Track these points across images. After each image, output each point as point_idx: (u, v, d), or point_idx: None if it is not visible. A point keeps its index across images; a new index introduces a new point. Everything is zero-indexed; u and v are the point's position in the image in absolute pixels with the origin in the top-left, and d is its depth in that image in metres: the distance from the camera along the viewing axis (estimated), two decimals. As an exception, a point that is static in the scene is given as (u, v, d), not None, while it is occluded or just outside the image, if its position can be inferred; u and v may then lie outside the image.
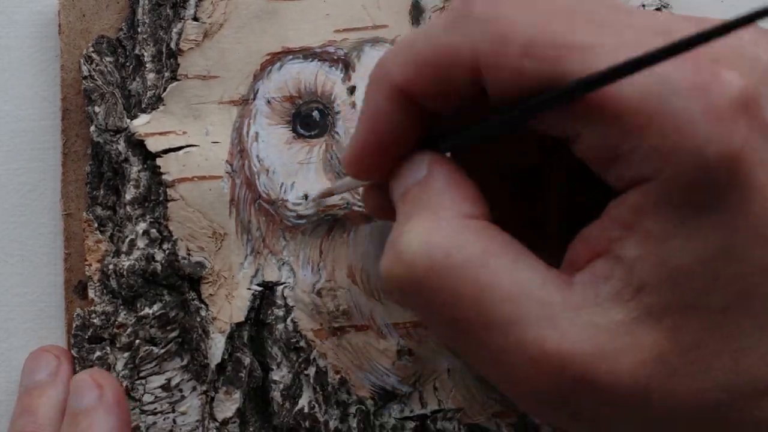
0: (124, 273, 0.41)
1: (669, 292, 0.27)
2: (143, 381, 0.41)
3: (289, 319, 0.42)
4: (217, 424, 0.41)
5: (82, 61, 0.43)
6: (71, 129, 0.44)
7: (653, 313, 0.28)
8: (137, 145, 0.42)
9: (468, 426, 0.42)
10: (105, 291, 0.42)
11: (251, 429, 0.41)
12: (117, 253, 0.42)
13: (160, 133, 0.42)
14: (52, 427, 0.40)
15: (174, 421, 0.41)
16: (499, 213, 0.31)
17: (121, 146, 0.42)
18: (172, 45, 0.43)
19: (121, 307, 0.42)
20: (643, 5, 0.44)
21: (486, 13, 0.29)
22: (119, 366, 0.41)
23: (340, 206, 0.42)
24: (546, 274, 0.29)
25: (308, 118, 0.43)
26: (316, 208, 0.42)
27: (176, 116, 0.43)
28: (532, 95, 0.28)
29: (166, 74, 0.43)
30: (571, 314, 0.28)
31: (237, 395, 0.41)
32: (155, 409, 0.41)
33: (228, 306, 0.42)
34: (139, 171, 0.42)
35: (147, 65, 0.43)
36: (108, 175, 0.43)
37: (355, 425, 0.41)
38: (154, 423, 0.41)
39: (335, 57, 0.43)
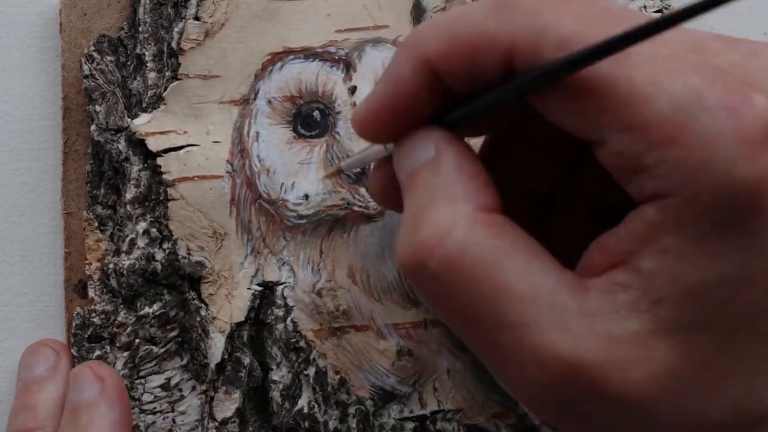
0: (124, 272, 0.41)
1: (684, 308, 0.27)
2: (143, 380, 0.41)
3: (289, 319, 0.42)
4: (217, 423, 0.41)
5: (83, 60, 0.43)
6: (72, 128, 0.44)
7: (668, 328, 0.28)
8: (138, 144, 0.42)
9: (467, 427, 0.42)
10: (105, 290, 0.42)
11: (251, 429, 0.41)
12: (117, 253, 0.42)
13: (161, 133, 0.42)
14: (53, 422, 0.40)
15: (173, 420, 0.41)
16: (510, 207, 0.31)
17: (122, 145, 0.42)
18: (173, 44, 0.43)
19: (121, 306, 0.42)
20: (645, 6, 0.44)
21: (529, 4, 0.29)
22: (119, 365, 0.41)
23: (340, 206, 0.42)
24: (561, 276, 0.29)
25: (309, 118, 0.43)
26: (317, 208, 0.42)
27: (177, 116, 0.43)
28: (563, 91, 0.28)
29: (167, 73, 0.43)
30: (585, 321, 0.28)
31: (236, 395, 0.41)
32: (155, 408, 0.41)
33: (228, 306, 0.42)
34: (139, 170, 0.42)
35: (148, 64, 0.43)
36: (108, 175, 0.43)
37: (354, 425, 0.41)
38: (154, 422, 0.41)
39: (336, 57, 0.43)
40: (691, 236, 0.27)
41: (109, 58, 0.43)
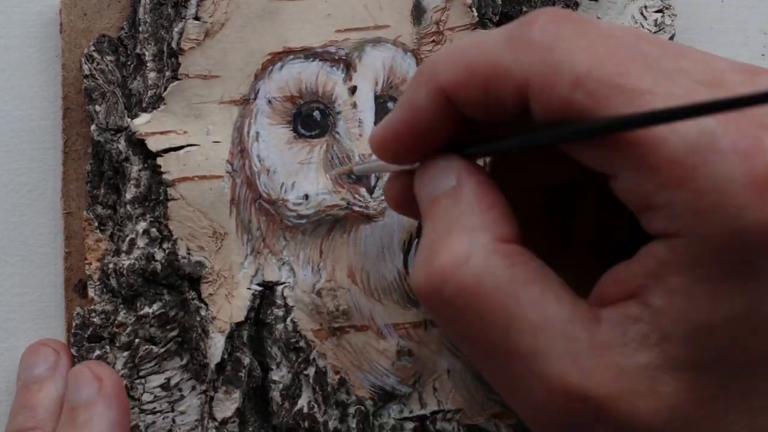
0: (124, 272, 0.41)
1: (691, 346, 0.28)
2: (142, 380, 0.41)
3: (288, 319, 0.42)
4: (217, 423, 0.41)
5: (83, 59, 0.43)
6: (72, 128, 0.44)
7: (675, 364, 0.28)
8: (138, 144, 0.42)
9: (467, 427, 0.42)
10: (105, 290, 0.42)
11: (250, 429, 0.41)
12: (117, 252, 0.42)
13: (161, 133, 0.42)
14: (52, 422, 0.40)
15: (173, 420, 0.41)
16: (525, 225, 0.32)
17: (122, 145, 0.42)
18: (173, 44, 0.43)
19: (121, 306, 0.42)
20: (645, 6, 0.44)
21: (543, 39, 0.29)
22: (119, 365, 0.41)
23: (340, 206, 0.42)
24: (574, 307, 0.29)
25: (309, 118, 0.43)
26: (317, 208, 0.42)
27: (177, 115, 0.43)
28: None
29: (167, 73, 0.43)
30: (595, 352, 0.28)
31: (236, 395, 0.41)
32: (154, 408, 0.41)
33: (228, 306, 0.42)
34: (139, 170, 0.42)
35: (148, 64, 0.43)
36: (108, 174, 0.43)
37: (354, 425, 0.41)
38: (153, 422, 0.41)
39: (336, 57, 0.43)
40: (699, 277, 0.27)
41: (109, 58, 0.43)
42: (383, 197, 0.42)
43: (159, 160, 0.42)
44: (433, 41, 0.43)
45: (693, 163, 0.27)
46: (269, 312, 0.42)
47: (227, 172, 0.42)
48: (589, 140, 0.29)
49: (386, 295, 0.42)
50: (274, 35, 0.43)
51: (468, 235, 0.30)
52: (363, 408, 0.41)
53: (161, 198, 0.42)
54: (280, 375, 0.41)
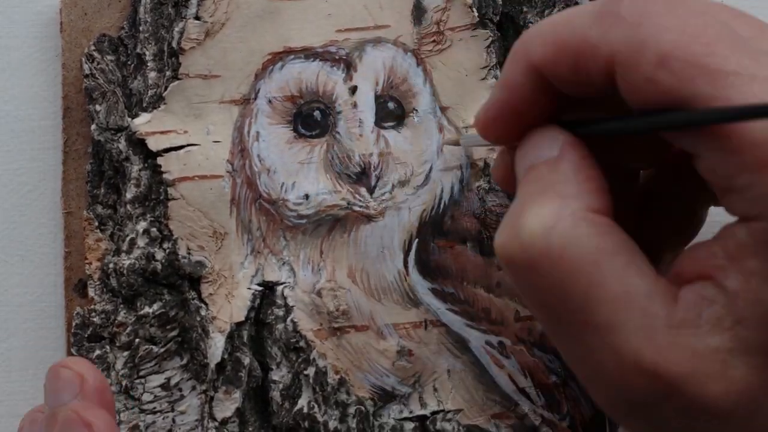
0: (124, 272, 0.41)
1: (764, 330, 0.28)
2: (143, 380, 0.41)
3: (289, 319, 0.42)
4: (217, 423, 0.41)
5: (83, 59, 0.43)
6: (72, 127, 0.44)
7: (747, 348, 0.28)
8: (138, 143, 0.42)
9: (467, 427, 0.42)
10: (105, 290, 0.42)
11: (250, 429, 0.41)
12: (117, 252, 0.42)
13: (161, 132, 0.42)
14: None
15: (173, 420, 0.41)
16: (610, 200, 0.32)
17: (122, 145, 0.42)
18: (174, 44, 0.43)
19: (121, 305, 0.42)
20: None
21: (631, 16, 0.30)
22: (119, 365, 0.41)
23: (340, 206, 0.42)
24: (654, 283, 0.29)
25: (309, 117, 0.43)
26: (317, 208, 0.42)
27: (177, 115, 0.43)
28: (660, 105, 0.29)
29: (168, 73, 0.43)
30: (671, 332, 0.28)
31: (236, 395, 0.41)
32: (154, 408, 0.41)
33: (228, 305, 0.42)
34: (139, 170, 0.42)
35: (148, 64, 0.43)
36: (109, 174, 0.43)
37: (354, 425, 0.41)
38: (153, 422, 0.41)
39: (337, 57, 0.43)
40: None
41: (109, 57, 0.43)
42: (383, 197, 0.42)
43: (159, 160, 0.42)
44: (434, 41, 0.43)
45: None
46: (269, 312, 0.42)
47: (227, 171, 0.42)
48: (686, 130, 0.29)
49: (386, 295, 0.42)
50: (275, 35, 0.43)
51: (560, 201, 0.30)
52: (363, 408, 0.41)
53: (161, 198, 0.42)
54: (280, 375, 0.41)
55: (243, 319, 0.42)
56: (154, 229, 0.42)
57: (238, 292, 0.42)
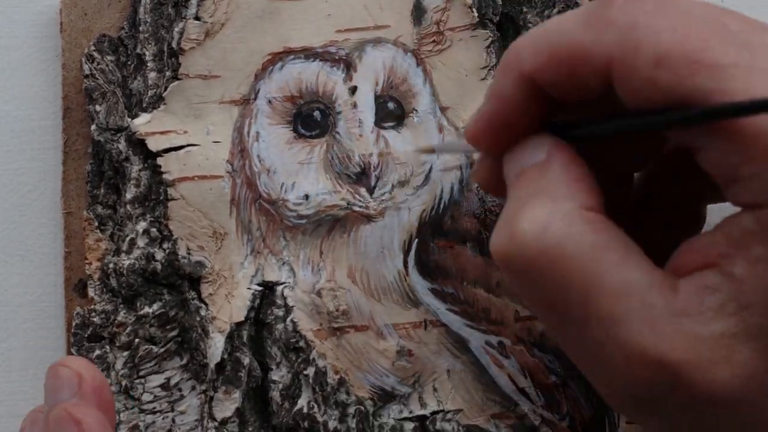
0: (124, 272, 0.41)
1: None
2: (142, 380, 0.41)
3: (288, 319, 0.42)
4: (216, 423, 0.41)
5: (83, 59, 0.43)
6: (72, 128, 0.44)
7: (752, 333, 0.28)
8: (138, 144, 0.42)
9: (467, 427, 0.42)
10: (105, 290, 0.42)
11: (250, 429, 0.41)
12: (117, 252, 0.42)
13: (161, 133, 0.42)
14: None
15: (173, 420, 0.41)
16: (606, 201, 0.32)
17: (122, 145, 0.42)
18: (174, 44, 0.43)
19: (121, 305, 0.42)
20: None
21: (623, 19, 0.30)
22: (118, 365, 0.41)
23: (340, 206, 0.42)
24: (653, 275, 0.29)
25: (309, 118, 0.43)
26: (317, 208, 0.42)
27: (177, 115, 0.43)
28: (661, 105, 0.29)
29: (168, 73, 0.43)
30: (673, 320, 0.29)
31: (236, 395, 0.41)
32: (154, 408, 0.41)
33: (228, 305, 0.42)
34: (139, 170, 0.42)
35: (148, 64, 0.43)
36: (108, 174, 0.43)
37: (354, 425, 0.41)
38: (153, 422, 0.41)
39: (337, 57, 0.43)
40: None
41: (109, 57, 0.43)
42: (383, 197, 0.42)
43: (159, 160, 0.42)
44: (434, 41, 0.43)
45: None
46: (269, 312, 0.42)
47: (227, 172, 0.42)
48: (685, 127, 0.29)
49: (386, 295, 0.42)
50: (275, 35, 0.43)
51: (552, 202, 0.31)
52: (363, 408, 0.41)
53: (161, 198, 0.42)
54: (279, 375, 0.41)
55: (243, 319, 0.42)
56: (154, 230, 0.42)
57: (237, 292, 0.42)
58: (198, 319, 0.41)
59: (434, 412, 0.42)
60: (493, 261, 0.42)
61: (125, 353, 0.41)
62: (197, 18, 0.43)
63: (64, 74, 0.44)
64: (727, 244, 0.29)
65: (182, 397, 0.41)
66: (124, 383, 0.41)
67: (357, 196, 0.42)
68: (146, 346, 0.41)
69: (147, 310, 0.41)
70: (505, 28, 0.44)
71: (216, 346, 0.41)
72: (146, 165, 0.42)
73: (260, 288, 0.42)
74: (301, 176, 0.42)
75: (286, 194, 0.42)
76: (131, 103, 0.43)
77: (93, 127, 0.43)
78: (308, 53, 0.43)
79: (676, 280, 0.29)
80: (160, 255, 0.42)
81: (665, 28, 0.29)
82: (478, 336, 0.42)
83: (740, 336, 0.28)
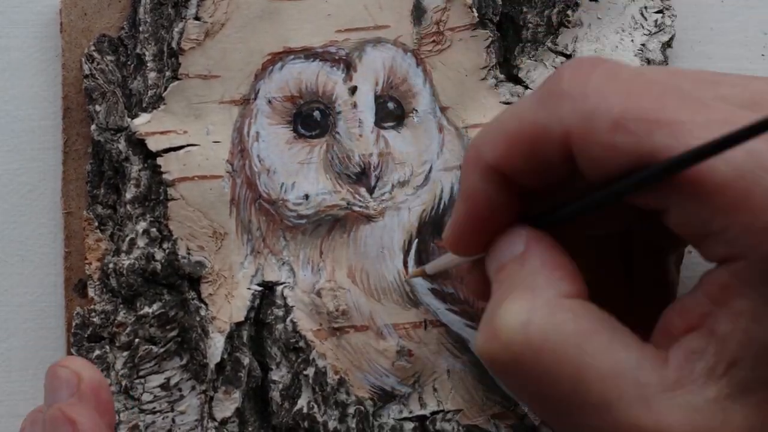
0: (124, 272, 0.41)
1: (759, 367, 0.28)
2: (142, 380, 0.41)
3: (288, 319, 0.42)
4: (216, 423, 0.41)
5: (83, 59, 0.43)
6: (72, 128, 0.44)
7: (744, 389, 0.28)
8: (138, 144, 0.42)
9: (467, 427, 0.42)
10: (105, 290, 0.42)
11: (250, 429, 0.41)
12: (117, 252, 0.42)
13: (161, 133, 0.42)
14: None
15: (173, 420, 0.41)
16: (587, 276, 0.32)
17: (122, 145, 0.42)
18: (174, 44, 0.43)
19: (121, 306, 0.42)
20: (645, 7, 0.44)
21: (574, 89, 0.30)
22: (118, 365, 0.41)
23: (340, 206, 0.42)
24: (641, 352, 0.29)
25: (309, 118, 0.43)
26: (317, 208, 0.42)
27: (177, 115, 0.43)
28: (623, 170, 0.29)
29: (167, 73, 0.43)
30: (666, 395, 0.28)
31: (236, 395, 0.41)
32: (154, 408, 0.41)
33: (228, 306, 0.42)
34: (139, 170, 0.42)
35: (148, 64, 0.43)
36: (108, 174, 0.43)
37: (353, 426, 0.41)
38: (153, 422, 0.41)
39: (336, 57, 0.43)
40: (761, 298, 0.28)
41: (109, 57, 0.43)
42: (383, 197, 0.42)
43: (159, 160, 0.42)
44: (434, 41, 0.43)
45: (744, 185, 0.27)
46: (269, 312, 0.42)
47: (227, 172, 0.42)
48: (645, 188, 0.29)
49: (386, 295, 0.42)
50: (274, 35, 0.43)
51: (532, 293, 0.31)
52: (363, 408, 0.41)
53: (161, 198, 0.42)
54: (279, 375, 0.41)
55: (243, 319, 0.42)
56: (154, 230, 0.42)
57: (237, 292, 0.42)
58: (198, 319, 0.41)
59: (434, 412, 0.42)
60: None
61: (125, 353, 0.41)
62: (197, 18, 0.43)
63: (64, 74, 0.44)
64: (707, 303, 0.29)
65: (182, 397, 0.42)
66: (123, 383, 0.41)
67: (357, 196, 0.42)
68: (146, 346, 0.41)
69: (147, 310, 0.41)
70: (505, 28, 0.44)
71: (216, 346, 0.41)
72: (146, 165, 0.42)
73: (260, 288, 0.42)
74: (301, 176, 0.42)
75: (286, 194, 0.42)
76: (131, 103, 0.43)
77: (93, 127, 0.43)
78: (308, 53, 0.43)
79: (666, 352, 0.29)
80: (160, 255, 0.42)
81: (618, 93, 0.29)
82: (478, 336, 0.42)
83: (733, 395, 0.28)
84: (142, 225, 0.42)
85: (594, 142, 0.29)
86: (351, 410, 0.41)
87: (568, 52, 0.44)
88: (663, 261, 0.37)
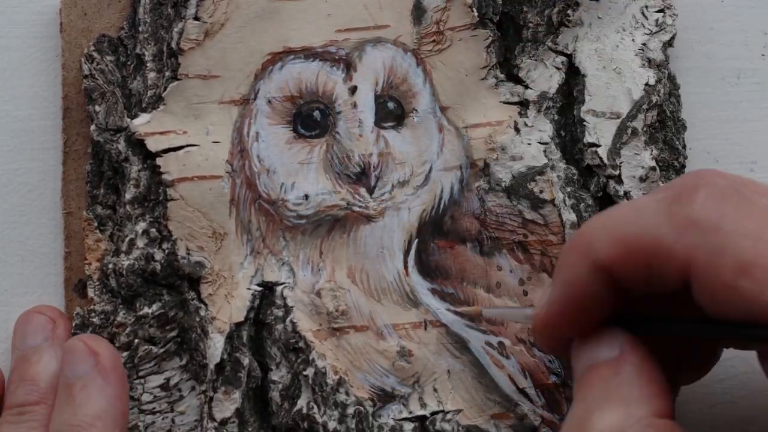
0: (124, 272, 0.41)
1: None
2: (142, 380, 0.41)
3: (288, 320, 0.42)
4: (216, 423, 0.41)
5: (83, 59, 0.43)
6: (72, 128, 0.44)
7: None
8: (137, 144, 0.42)
9: (467, 427, 0.42)
10: (104, 290, 0.42)
11: (250, 429, 0.41)
12: (117, 253, 0.42)
13: (161, 133, 0.42)
14: (53, 394, 0.39)
15: (173, 420, 0.41)
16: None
17: (122, 145, 0.42)
18: (173, 44, 0.43)
19: (121, 306, 0.42)
20: (646, 6, 0.44)
21: (706, 219, 0.29)
22: (118, 365, 0.41)
23: (340, 206, 0.42)
24: None
25: (309, 118, 0.43)
26: (317, 209, 0.42)
27: (177, 116, 0.43)
28: (742, 313, 0.28)
29: (167, 73, 0.43)
30: None
31: (236, 395, 0.41)
32: (154, 408, 0.41)
33: (227, 306, 0.42)
34: (139, 170, 0.42)
35: (148, 64, 0.43)
36: (108, 174, 0.43)
37: (353, 426, 0.41)
38: (153, 422, 0.41)
39: (336, 57, 0.43)
40: None
41: (109, 58, 0.43)
42: (383, 197, 0.42)
43: (158, 161, 0.42)
44: (434, 41, 0.43)
45: None
46: (269, 312, 0.42)
47: (227, 172, 0.42)
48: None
49: (386, 296, 0.42)
50: (274, 35, 0.43)
51: (626, 407, 0.30)
52: (362, 408, 0.41)
53: (161, 198, 0.42)
54: (279, 375, 0.41)
55: (242, 319, 0.42)
56: (154, 230, 0.42)
57: (237, 293, 0.42)
58: (197, 319, 0.41)
59: (434, 413, 0.42)
60: (493, 261, 0.42)
61: (125, 354, 0.41)
62: (197, 18, 0.43)
63: (64, 74, 0.44)
64: None
65: (182, 397, 0.42)
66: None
67: (357, 196, 0.42)
68: (146, 347, 0.41)
69: (146, 310, 0.41)
70: (505, 28, 0.44)
71: (215, 347, 0.41)
72: (146, 165, 0.42)
73: (260, 288, 0.42)
74: (301, 176, 0.42)
75: (285, 194, 0.42)
76: (131, 104, 0.43)
77: (93, 127, 0.43)
78: (308, 53, 0.43)
79: None
80: (159, 255, 0.42)
81: (749, 234, 0.29)
82: (478, 336, 0.42)
83: None
84: (141, 225, 0.42)
85: (717, 278, 0.29)
86: (351, 410, 0.41)
87: (569, 52, 0.44)
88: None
